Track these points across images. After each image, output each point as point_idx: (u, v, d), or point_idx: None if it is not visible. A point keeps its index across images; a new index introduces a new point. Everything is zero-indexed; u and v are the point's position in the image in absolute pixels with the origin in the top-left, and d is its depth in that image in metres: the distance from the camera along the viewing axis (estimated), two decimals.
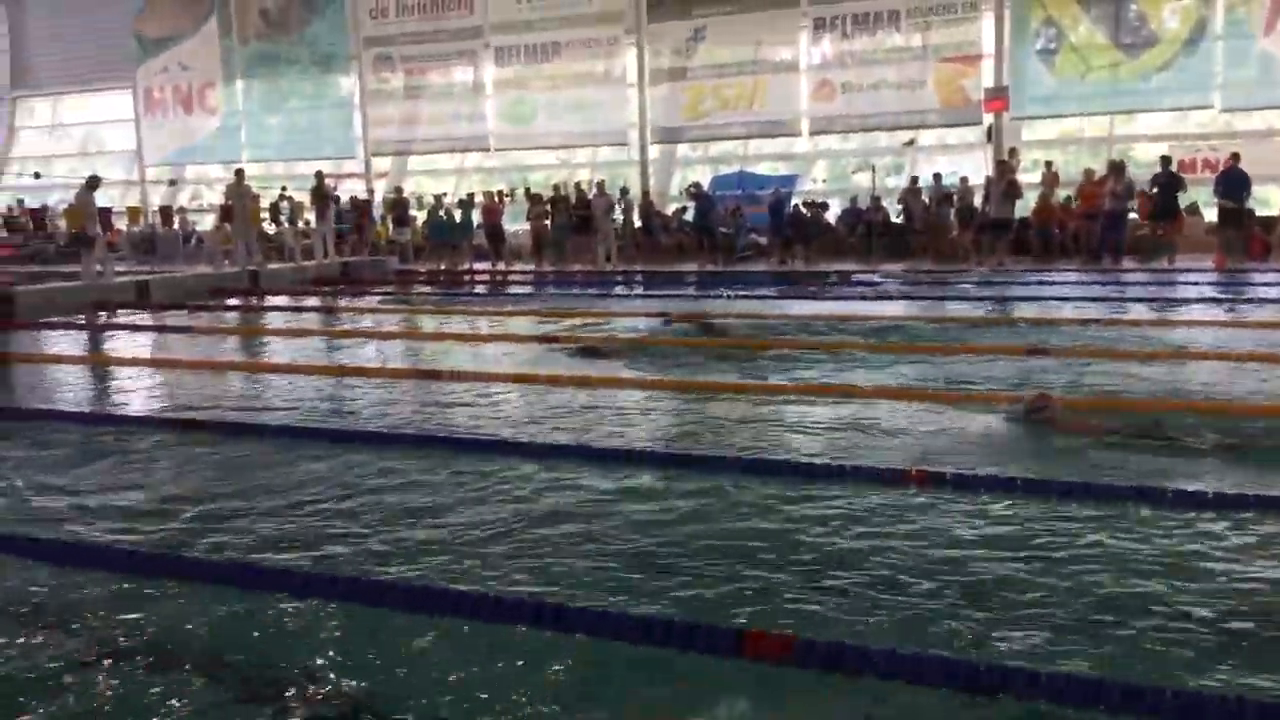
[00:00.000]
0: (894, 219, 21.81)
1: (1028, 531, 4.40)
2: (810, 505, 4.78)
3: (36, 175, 26.78)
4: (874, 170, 22.35)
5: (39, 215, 24.61)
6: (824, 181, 24.75)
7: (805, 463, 5.49)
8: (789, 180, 23.46)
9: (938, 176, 20.52)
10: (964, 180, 20.56)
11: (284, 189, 24.21)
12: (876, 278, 16.99)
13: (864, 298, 14.33)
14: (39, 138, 33.59)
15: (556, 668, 3.22)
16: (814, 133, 24.69)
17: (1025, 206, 20.24)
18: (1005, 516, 4.61)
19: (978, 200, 20.03)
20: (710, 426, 6.58)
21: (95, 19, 30.51)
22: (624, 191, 22.66)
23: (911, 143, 23.32)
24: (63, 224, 23.84)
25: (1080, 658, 3.25)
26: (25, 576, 4.10)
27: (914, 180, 21.82)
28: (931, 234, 20.31)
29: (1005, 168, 19.33)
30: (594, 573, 4.04)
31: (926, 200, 20.64)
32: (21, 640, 3.50)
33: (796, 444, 6.02)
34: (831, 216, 22.56)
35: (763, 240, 22.33)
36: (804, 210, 21.65)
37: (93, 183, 16.76)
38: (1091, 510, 4.60)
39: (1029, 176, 20.94)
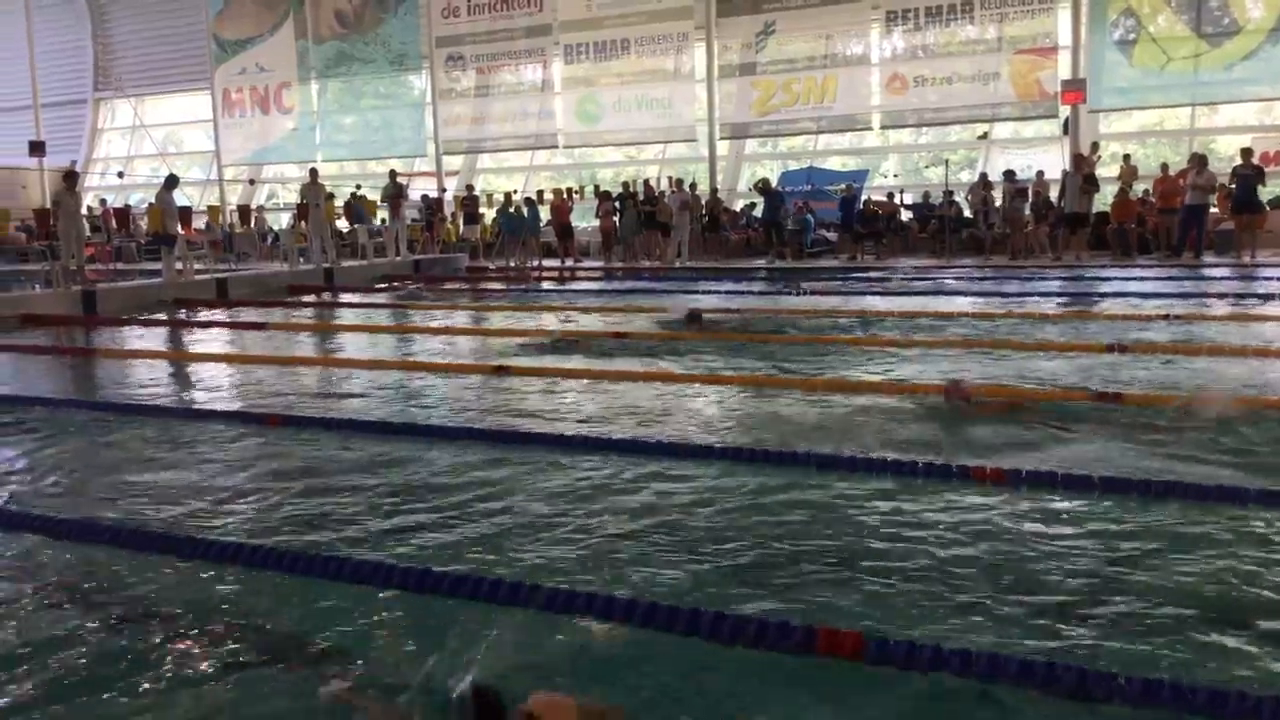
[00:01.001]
0: (967, 214, 21.50)
1: (1118, 532, 4.31)
2: (875, 500, 4.74)
3: (120, 175, 27.53)
4: (947, 164, 22.03)
5: (123, 214, 25.19)
6: (896, 176, 24.48)
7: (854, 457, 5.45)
8: (859, 175, 23.25)
9: (1010, 172, 20.17)
10: (1040, 174, 20.19)
11: (359, 187, 24.58)
12: (947, 273, 16.78)
13: (937, 292, 14.14)
14: (121, 139, 34.48)
15: (627, 664, 3.22)
16: (885, 127, 24.42)
17: (1103, 201, 19.84)
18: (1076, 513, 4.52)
19: (1054, 194, 19.67)
20: (777, 421, 6.55)
21: (175, 22, 31.24)
22: (691, 187, 22.63)
23: (985, 136, 22.95)
24: (144, 223, 24.41)
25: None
26: (109, 567, 4.20)
27: (983, 176, 21.48)
28: (1006, 229, 19.98)
29: (1082, 161, 18.96)
30: (663, 567, 4.03)
31: (1001, 195, 20.32)
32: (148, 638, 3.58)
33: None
34: (902, 211, 22.31)
35: (832, 236, 22.17)
36: (875, 206, 21.44)
37: (171, 182, 17.16)
38: None
39: (1107, 170, 20.52)
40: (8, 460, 6.13)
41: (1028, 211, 19.79)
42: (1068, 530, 4.35)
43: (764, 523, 4.51)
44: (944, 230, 20.84)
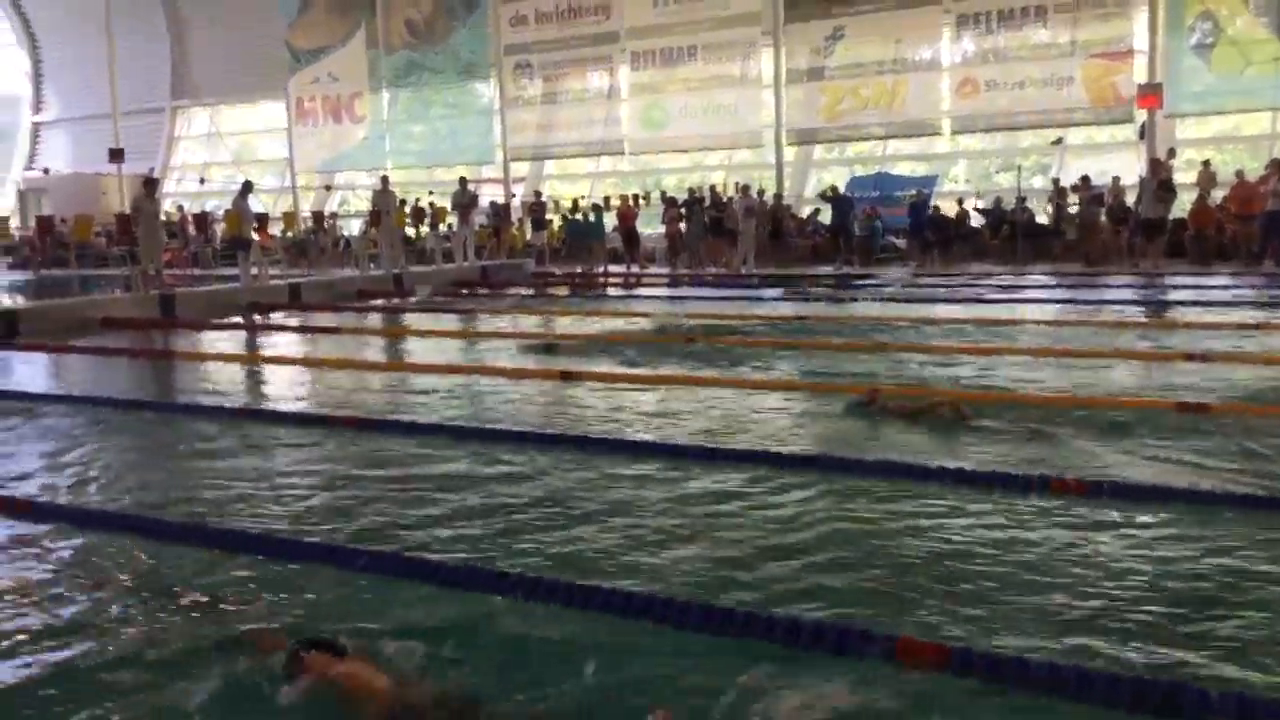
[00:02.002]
0: (1040, 220, 21.16)
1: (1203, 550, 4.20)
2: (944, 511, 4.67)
3: (201, 181, 28.15)
4: (1019, 170, 21.72)
5: (201, 220, 25.74)
6: (967, 182, 24.17)
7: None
8: (929, 181, 22.99)
9: (1085, 178, 19.81)
10: (1116, 180, 19.81)
11: (430, 193, 24.88)
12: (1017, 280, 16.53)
13: (1007, 300, 13.92)
14: (197, 146, 35.24)
15: (702, 668, 3.20)
16: (956, 132, 24.12)
17: (1181, 207, 19.41)
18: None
19: (1130, 200, 19.29)
20: (829, 426, 6.49)
21: (250, 32, 31.83)
22: (760, 194, 22.54)
23: (1059, 141, 22.57)
24: (219, 228, 24.94)
25: None
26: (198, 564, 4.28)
27: (1055, 181, 21.14)
28: (1081, 236, 19.62)
29: (1159, 166, 18.56)
30: (736, 572, 4.01)
31: (1075, 200, 19.96)
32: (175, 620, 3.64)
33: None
34: (973, 217, 22.00)
35: (901, 242, 21.95)
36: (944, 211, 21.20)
37: (247, 188, 17.50)
38: None
39: (1184, 176, 20.08)
40: (87, 459, 6.27)
41: (1103, 218, 19.41)
42: (1158, 545, 4.25)
43: (841, 532, 4.48)
44: (1016, 237, 20.52)
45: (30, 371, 10.61)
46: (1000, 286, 16.00)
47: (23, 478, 5.86)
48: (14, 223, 30.77)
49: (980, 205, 21.86)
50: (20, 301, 17.30)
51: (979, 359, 8.94)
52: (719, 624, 3.45)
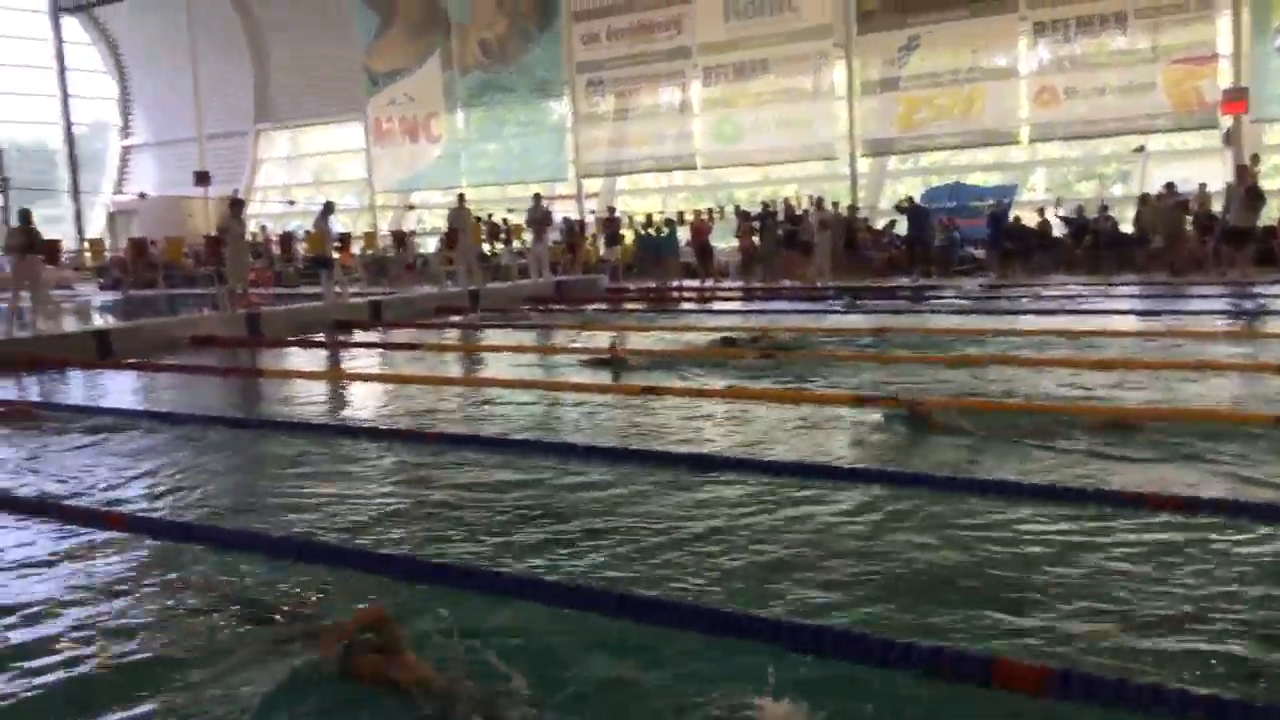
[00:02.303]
0: (1123, 229, 20.72)
1: None
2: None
3: (291, 203, 28.81)
4: (1101, 178, 21.30)
5: (286, 240, 26.30)
6: (1047, 191, 23.78)
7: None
8: (1008, 190, 22.66)
9: (1170, 185, 19.37)
10: (1202, 187, 19.35)
11: (510, 210, 25.17)
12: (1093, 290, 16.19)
13: (1089, 310, 13.66)
14: (278, 168, 36.09)
15: (801, 691, 3.19)
16: (1034, 140, 23.74)
17: (1269, 214, 18.89)
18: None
19: (1216, 208, 18.83)
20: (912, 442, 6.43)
21: (329, 56, 32.55)
22: (834, 206, 22.41)
23: (1141, 149, 22.11)
24: (302, 248, 25.48)
25: None
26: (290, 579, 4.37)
27: (1145, 196, 20.67)
28: (1167, 244, 19.18)
29: (1246, 173, 18.09)
30: (823, 592, 3.99)
31: (1161, 208, 19.52)
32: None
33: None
34: (1055, 227, 21.60)
35: (980, 253, 21.66)
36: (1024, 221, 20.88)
37: (328, 208, 17.88)
38: None
39: (1271, 183, 19.54)
40: (177, 474, 6.45)
41: (1189, 226, 18.97)
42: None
43: (907, 545, 4.43)
44: (1098, 246, 20.13)
45: (124, 389, 10.94)
46: (1082, 296, 15.70)
47: (116, 491, 6.06)
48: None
49: (1062, 213, 21.47)
50: (113, 321, 17.84)
51: (1062, 371, 8.78)
52: (809, 643, 3.44)
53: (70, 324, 16.05)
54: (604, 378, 9.61)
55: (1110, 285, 17.30)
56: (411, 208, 31.22)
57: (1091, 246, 20.45)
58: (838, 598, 3.91)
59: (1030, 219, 21.46)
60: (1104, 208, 20.75)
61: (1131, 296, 15.84)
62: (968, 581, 4.03)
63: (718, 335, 12.04)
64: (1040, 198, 23.34)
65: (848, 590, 3.99)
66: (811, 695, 3.05)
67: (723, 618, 3.66)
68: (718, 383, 8.89)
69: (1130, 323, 12.60)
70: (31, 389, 10.88)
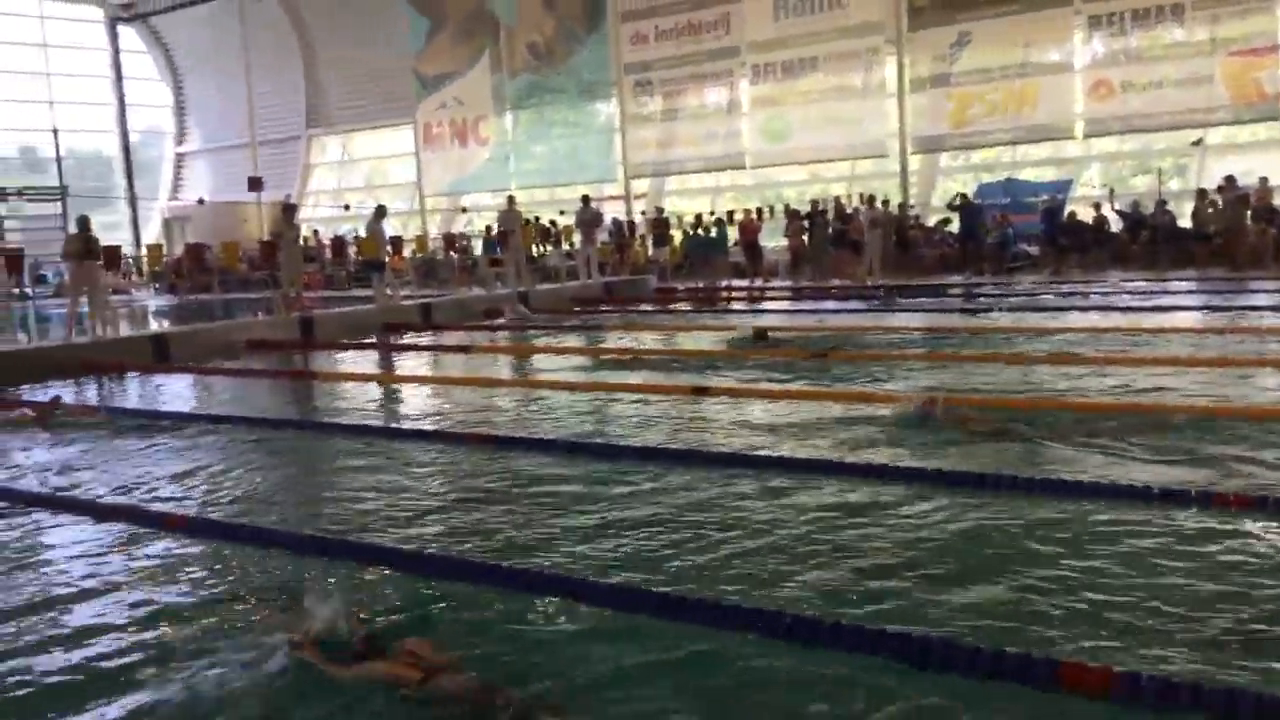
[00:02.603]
0: (1181, 223, 20.33)
1: None
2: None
3: (345, 207, 29.14)
4: (1160, 172, 20.92)
5: (338, 244, 26.56)
6: (1103, 186, 23.39)
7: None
8: (1062, 186, 22.32)
9: (1230, 178, 18.97)
10: (1263, 180, 18.93)
11: (561, 213, 25.25)
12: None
13: (1148, 307, 13.40)
14: (330, 172, 36.49)
15: (860, 692, 3.14)
16: (1088, 135, 23.36)
17: None
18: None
19: (1277, 201, 18.41)
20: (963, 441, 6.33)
21: (380, 62, 32.89)
22: (884, 204, 22.20)
23: (1199, 142, 21.67)
24: (352, 251, 25.73)
25: None
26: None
27: (1203, 192, 20.26)
28: (1226, 239, 18.78)
29: None
30: (875, 592, 3.93)
31: (1219, 202, 19.12)
32: None
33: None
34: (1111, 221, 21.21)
35: (1034, 250, 21.35)
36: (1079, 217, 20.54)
37: (381, 212, 18.02)
38: None
39: None
40: (233, 476, 6.52)
41: (1249, 220, 18.56)
42: None
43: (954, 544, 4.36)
44: (1155, 241, 19.76)
45: (182, 392, 11.09)
46: (1140, 292, 15.42)
47: (171, 492, 6.14)
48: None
49: (1118, 207, 21.09)
50: (170, 326, 18.11)
51: (1121, 369, 8.61)
52: (871, 645, 3.38)
53: (127, 329, 16.28)
54: (659, 377, 9.57)
55: (1166, 280, 16.98)
56: (464, 210, 31.40)
57: (1149, 241, 20.08)
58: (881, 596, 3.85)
59: (1085, 214, 21.11)
60: (1161, 202, 20.37)
61: (1191, 292, 15.51)
62: (1025, 580, 3.95)
63: (776, 335, 11.94)
64: (1095, 193, 22.96)
65: (900, 591, 3.93)
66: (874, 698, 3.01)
67: (770, 616, 3.62)
68: (772, 383, 8.83)
69: (1191, 319, 12.32)
70: (90, 393, 11.06)
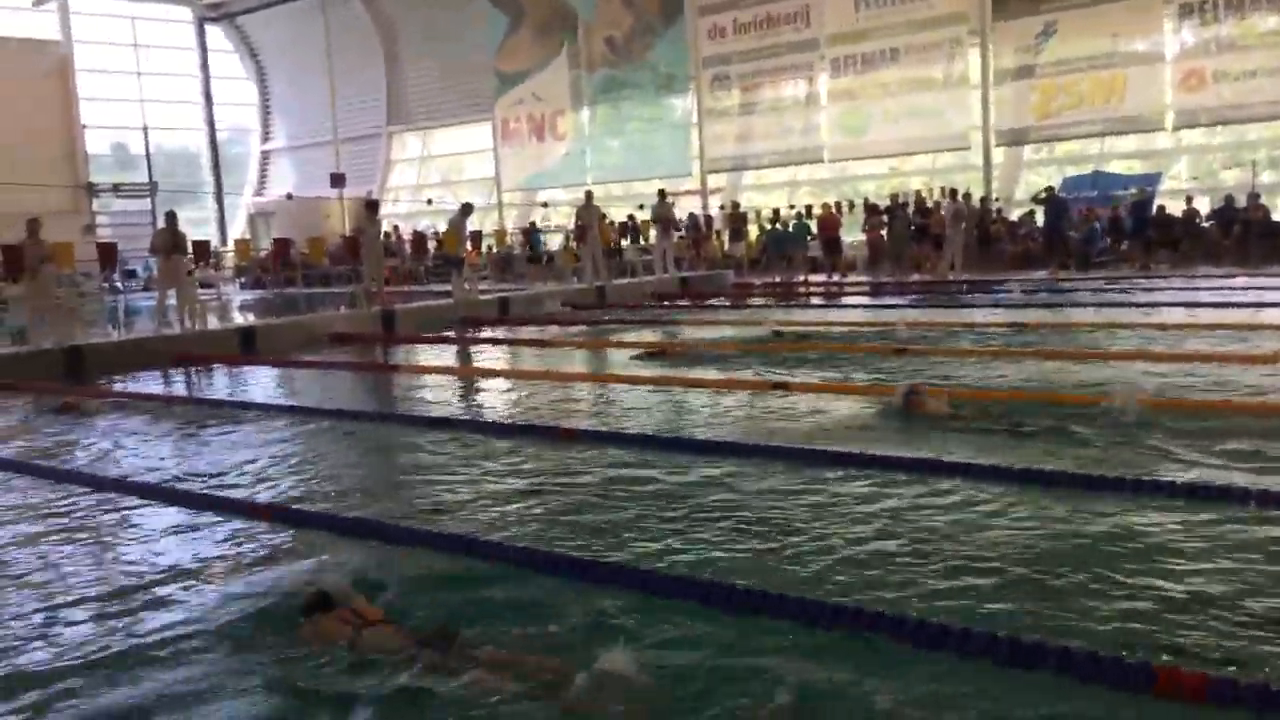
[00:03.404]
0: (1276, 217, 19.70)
1: None
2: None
3: (429, 201, 29.54)
4: (1254, 165, 20.28)
5: (419, 239, 26.93)
6: (1195, 179, 22.75)
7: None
8: (1151, 179, 21.76)
9: None
10: None
11: (640, 207, 25.28)
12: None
13: (1237, 303, 13.00)
14: (409, 169, 36.98)
15: (950, 694, 3.09)
16: (1178, 127, 22.74)
17: None
18: None
19: None
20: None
21: (459, 59, 33.27)
22: (965, 197, 21.84)
23: None
24: (431, 247, 26.05)
25: None
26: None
27: None
28: None
29: None
30: (958, 593, 3.86)
31: None
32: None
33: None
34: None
35: (1122, 245, 20.85)
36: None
37: (467, 209, 18.22)
38: None
39: None
40: (313, 465, 6.65)
41: None
42: None
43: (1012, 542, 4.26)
44: (1248, 236, 19.17)
45: (268, 384, 11.33)
46: (1230, 289, 14.96)
47: (255, 480, 6.29)
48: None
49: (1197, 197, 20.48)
50: (257, 319, 18.51)
51: (1208, 365, 8.40)
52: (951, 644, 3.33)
53: (215, 322, 16.68)
54: (745, 374, 9.53)
55: (1256, 276, 16.46)
56: (545, 205, 31.60)
57: (1241, 236, 19.49)
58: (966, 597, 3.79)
59: (1175, 207, 20.55)
60: (1255, 195, 19.75)
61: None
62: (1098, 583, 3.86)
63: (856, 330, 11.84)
64: (1183, 186, 22.35)
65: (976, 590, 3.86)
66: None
67: (844, 612, 3.58)
68: (851, 379, 8.76)
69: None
70: (178, 384, 11.35)
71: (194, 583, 4.39)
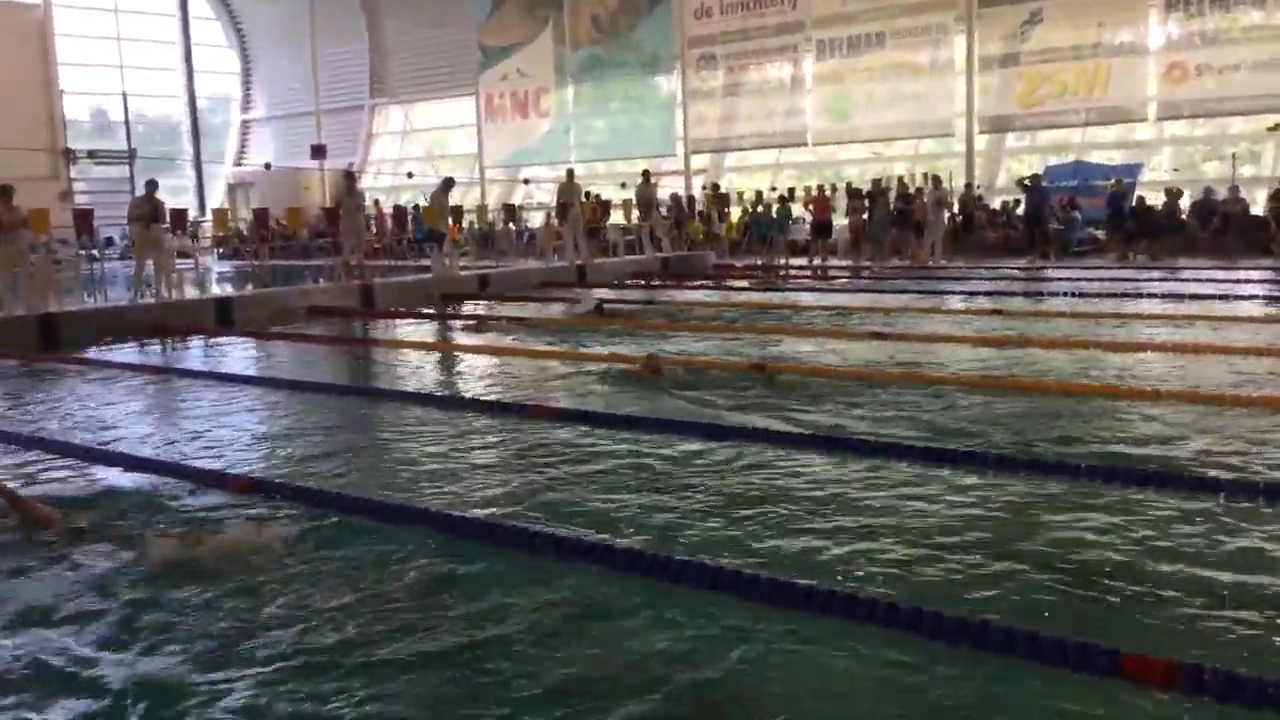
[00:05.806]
0: (1255, 211, 19.80)
1: None
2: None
3: (409, 175, 29.32)
4: (1234, 158, 20.39)
5: (400, 213, 26.75)
6: (1175, 171, 22.84)
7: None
8: (1131, 169, 21.84)
9: None
10: None
11: (623, 185, 25.18)
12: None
13: (1213, 295, 13.09)
14: (391, 142, 36.70)
15: (923, 677, 3.12)
16: (1161, 118, 22.82)
17: None
18: None
19: None
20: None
21: (443, 32, 33.00)
22: (940, 181, 21.83)
23: (1276, 127, 21.07)
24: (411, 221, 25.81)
25: None
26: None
27: None
28: None
29: None
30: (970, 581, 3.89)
31: None
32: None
33: None
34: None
35: (1100, 234, 20.94)
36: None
37: (448, 184, 18.09)
38: None
39: None
40: (289, 440, 6.62)
41: None
42: None
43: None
44: (1226, 228, 19.27)
45: (243, 357, 11.25)
46: (1208, 280, 15.06)
47: (229, 453, 6.27)
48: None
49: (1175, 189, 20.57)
50: (232, 290, 18.36)
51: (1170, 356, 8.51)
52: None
53: (192, 292, 16.54)
54: (730, 351, 9.53)
55: (1234, 269, 16.57)
56: (526, 182, 31.46)
57: (1219, 230, 19.60)
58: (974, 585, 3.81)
59: (1155, 199, 20.63)
60: (1234, 188, 19.86)
61: (1266, 281, 15.13)
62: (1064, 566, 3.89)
63: (838, 315, 11.85)
64: (1163, 178, 22.45)
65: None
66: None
67: (820, 595, 3.59)
68: (835, 362, 8.78)
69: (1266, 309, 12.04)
70: (154, 354, 11.26)
71: None
